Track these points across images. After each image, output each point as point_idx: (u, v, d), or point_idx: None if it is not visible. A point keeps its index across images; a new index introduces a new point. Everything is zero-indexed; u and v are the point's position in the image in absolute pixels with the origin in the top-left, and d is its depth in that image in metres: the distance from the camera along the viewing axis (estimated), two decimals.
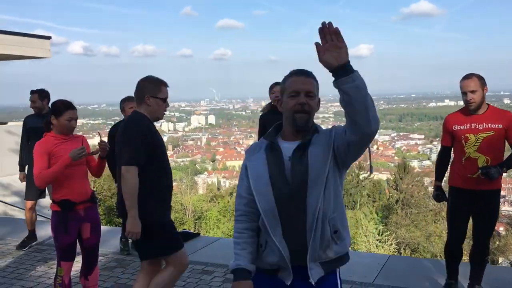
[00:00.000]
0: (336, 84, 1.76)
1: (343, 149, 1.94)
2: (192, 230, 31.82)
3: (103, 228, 6.60)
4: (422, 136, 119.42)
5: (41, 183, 3.26)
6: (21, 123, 13.10)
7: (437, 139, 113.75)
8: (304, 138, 1.98)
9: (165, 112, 3.22)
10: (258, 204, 1.99)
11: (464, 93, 3.53)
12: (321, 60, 1.75)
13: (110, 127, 4.67)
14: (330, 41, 1.72)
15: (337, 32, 1.71)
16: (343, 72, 1.72)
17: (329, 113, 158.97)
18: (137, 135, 2.99)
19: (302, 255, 1.95)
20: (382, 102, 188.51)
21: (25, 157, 5.60)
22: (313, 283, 1.97)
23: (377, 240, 30.52)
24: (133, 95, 3.22)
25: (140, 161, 2.97)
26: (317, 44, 1.74)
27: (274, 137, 2.06)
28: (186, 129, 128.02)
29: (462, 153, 3.60)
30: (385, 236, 30.58)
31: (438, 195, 3.90)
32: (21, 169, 5.73)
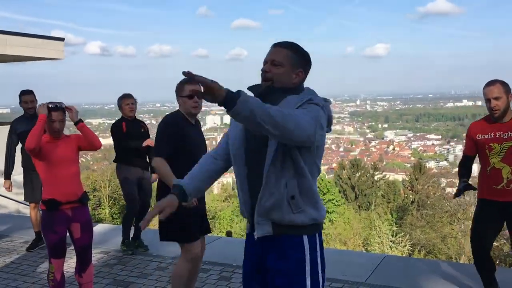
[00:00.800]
0: (231, 115, 1.79)
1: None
2: None
3: (107, 226, 6.77)
4: (439, 137, 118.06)
5: (28, 143, 3.32)
6: None
7: (455, 139, 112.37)
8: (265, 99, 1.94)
9: (195, 106, 3.40)
10: (231, 151, 2.17)
11: (487, 100, 3.38)
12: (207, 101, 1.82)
13: None
14: (199, 89, 1.80)
15: (196, 81, 1.74)
16: (229, 105, 1.74)
17: (344, 113, 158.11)
18: (163, 129, 3.35)
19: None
20: (398, 102, 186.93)
21: (11, 164, 5.40)
22: (255, 238, 2.10)
23: (391, 241, 30.34)
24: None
25: (163, 152, 3.29)
26: (194, 92, 1.84)
27: None
28: (202, 129, 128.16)
29: (487, 163, 3.48)
30: (399, 237, 30.39)
31: (465, 185, 3.60)
32: (6, 177, 5.42)
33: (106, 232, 6.22)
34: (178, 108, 3.49)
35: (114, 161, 5.39)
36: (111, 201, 33.62)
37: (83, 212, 3.59)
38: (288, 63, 2.09)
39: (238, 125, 2.14)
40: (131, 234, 5.36)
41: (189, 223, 3.33)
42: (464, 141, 3.77)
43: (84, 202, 3.59)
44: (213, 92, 1.72)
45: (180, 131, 3.34)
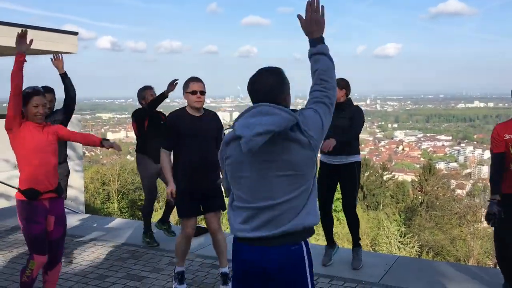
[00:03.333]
0: (312, 51, 2.09)
1: None
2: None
3: (118, 220, 6.79)
4: (450, 138, 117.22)
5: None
6: None
7: (465, 141, 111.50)
8: None
9: (198, 101, 3.83)
10: None
11: None
12: (304, 27, 2.10)
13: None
14: (314, 15, 2.07)
15: (320, 8, 2.06)
16: (320, 42, 2.07)
17: None
18: (166, 124, 3.94)
19: None
20: (409, 102, 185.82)
21: None
22: None
23: (399, 242, 30.19)
24: (189, 79, 3.89)
25: (165, 145, 3.88)
26: (299, 17, 2.09)
27: None
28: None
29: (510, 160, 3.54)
30: (408, 238, 30.23)
31: (499, 210, 3.54)
32: None
33: (117, 226, 6.24)
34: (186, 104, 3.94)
35: (136, 151, 5.38)
36: (119, 195, 33.79)
37: (59, 205, 3.47)
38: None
39: None
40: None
41: (184, 202, 3.86)
42: (484, 142, 3.79)
43: (59, 193, 3.46)
44: (323, 26, 2.09)
45: (182, 124, 3.81)
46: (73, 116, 15.81)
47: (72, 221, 6.49)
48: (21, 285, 3.41)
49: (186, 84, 3.87)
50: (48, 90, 4.93)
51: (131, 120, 5.29)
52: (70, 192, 13.27)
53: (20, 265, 4.70)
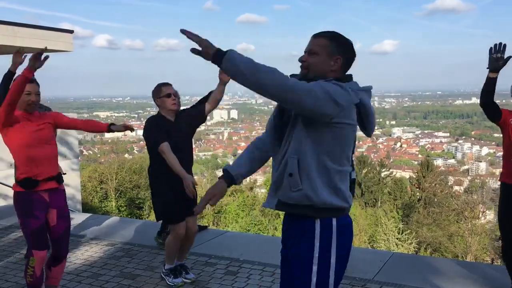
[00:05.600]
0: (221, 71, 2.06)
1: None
2: (209, 224, 31.58)
3: (113, 218, 6.76)
4: (447, 134, 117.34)
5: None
6: None
7: (463, 137, 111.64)
8: None
9: (174, 103, 3.88)
10: None
11: None
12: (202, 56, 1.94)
13: (133, 120, 4.62)
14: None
15: (190, 36, 1.90)
16: (218, 60, 1.88)
17: None
18: (149, 126, 3.87)
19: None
20: (406, 99, 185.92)
21: None
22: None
23: (397, 238, 30.23)
24: (160, 84, 3.91)
25: (162, 139, 3.73)
26: (192, 50, 1.92)
27: None
28: (208, 123, 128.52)
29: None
30: (406, 234, 30.28)
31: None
32: None
33: (113, 224, 6.22)
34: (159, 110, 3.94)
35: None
36: (117, 194, 33.75)
37: (60, 197, 3.35)
38: (324, 52, 2.11)
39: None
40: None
41: (173, 207, 3.88)
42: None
43: (60, 181, 3.33)
44: (205, 45, 1.88)
45: (163, 130, 3.78)
46: (70, 114, 15.78)
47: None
48: (28, 287, 3.28)
49: (158, 90, 3.90)
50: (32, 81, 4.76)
51: (132, 119, 5.19)
52: (67, 191, 13.34)
53: (14, 264, 4.68)
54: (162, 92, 3.87)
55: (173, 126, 3.90)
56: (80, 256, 4.91)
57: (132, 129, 3.70)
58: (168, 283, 4.13)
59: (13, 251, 5.10)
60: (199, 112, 4.22)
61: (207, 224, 6.03)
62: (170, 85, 3.96)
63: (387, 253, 4.95)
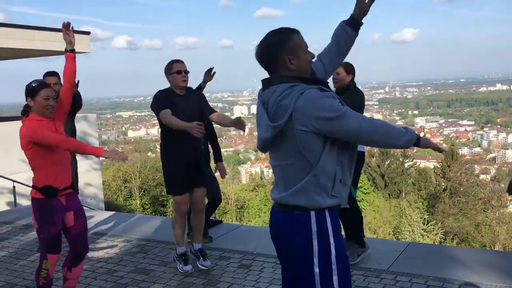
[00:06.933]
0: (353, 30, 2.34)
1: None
2: (232, 219, 31.53)
3: (135, 216, 6.83)
4: (472, 122, 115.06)
5: (68, 146, 3.15)
6: None
7: (488, 125, 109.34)
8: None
9: (183, 79, 4.00)
10: None
11: None
12: (363, 8, 2.29)
13: (155, 119, 4.62)
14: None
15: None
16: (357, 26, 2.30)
17: (373, 100, 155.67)
18: (154, 99, 4.01)
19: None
20: (429, 88, 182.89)
21: None
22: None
23: (422, 229, 29.83)
24: (172, 61, 4.02)
25: (164, 106, 3.87)
26: None
27: None
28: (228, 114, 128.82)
29: None
30: (431, 225, 29.85)
31: None
32: None
33: (130, 221, 6.27)
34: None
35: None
36: (141, 192, 34.15)
37: (75, 200, 3.41)
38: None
39: None
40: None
41: (176, 177, 4.00)
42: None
43: (76, 189, 3.41)
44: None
45: (168, 101, 3.91)
46: (90, 115, 15.87)
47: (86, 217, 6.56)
48: None
49: (169, 66, 4.03)
50: (52, 74, 4.77)
51: (153, 118, 5.18)
52: (89, 190, 13.57)
53: (32, 262, 4.77)
54: (173, 68, 3.99)
55: (182, 99, 4.00)
56: (96, 253, 4.97)
57: (125, 159, 3.43)
58: (179, 269, 4.20)
59: (31, 250, 5.19)
60: (201, 99, 4.16)
61: (221, 219, 5.99)
62: (182, 62, 4.05)
63: (403, 243, 4.87)
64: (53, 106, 3.24)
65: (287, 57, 2.05)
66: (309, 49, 2.13)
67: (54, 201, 3.24)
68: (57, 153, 3.22)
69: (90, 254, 4.90)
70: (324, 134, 1.97)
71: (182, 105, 3.97)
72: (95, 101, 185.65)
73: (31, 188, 3.30)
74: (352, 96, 4.08)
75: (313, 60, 2.17)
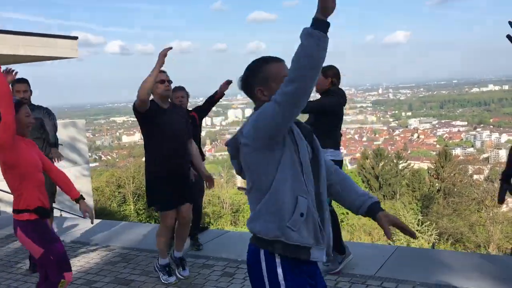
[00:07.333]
0: (312, 31, 1.70)
1: None
2: (227, 223, 31.27)
3: (119, 223, 6.65)
4: (465, 123, 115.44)
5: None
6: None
7: (481, 125, 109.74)
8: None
9: (167, 89, 3.92)
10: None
11: None
12: (328, 4, 1.71)
13: None
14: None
15: None
16: (324, 26, 1.69)
17: (367, 102, 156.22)
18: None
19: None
20: (422, 89, 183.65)
21: None
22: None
23: (416, 230, 29.78)
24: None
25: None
26: None
27: None
28: (224, 123, 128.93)
29: None
30: (425, 226, 29.80)
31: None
32: None
33: (114, 229, 6.12)
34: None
35: None
36: (135, 198, 33.90)
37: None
38: None
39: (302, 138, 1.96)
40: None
41: (163, 194, 3.86)
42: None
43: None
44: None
45: (152, 116, 3.79)
46: (78, 120, 15.65)
47: (69, 225, 6.42)
48: None
49: None
50: (22, 81, 4.54)
51: None
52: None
53: (17, 275, 4.62)
54: (157, 77, 3.82)
55: (165, 112, 3.87)
56: (77, 262, 4.83)
57: (92, 218, 3.40)
58: (162, 280, 4.07)
59: (17, 262, 5.02)
60: (185, 115, 4.14)
61: (207, 225, 5.86)
62: (164, 72, 3.93)
63: (390, 247, 4.76)
64: (31, 124, 3.10)
65: (258, 88, 1.97)
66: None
67: (45, 220, 3.05)
68: (39, 173, 3.03)
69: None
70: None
71: (170, 118, 3.86)
72: (89, 107, 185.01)
73: (15, 214, 2.99)
74: (323, 99, 3.98)
75: None
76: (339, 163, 3.92)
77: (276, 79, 1.93)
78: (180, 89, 4.77)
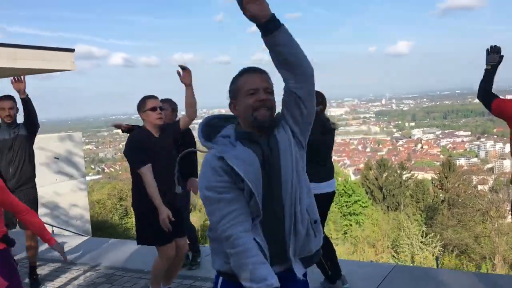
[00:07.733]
0: (268, 37, 1.69)
1: (298, 112, 1.80)
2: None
3: (108, 240, 6.43)
4: (469, 133, 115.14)
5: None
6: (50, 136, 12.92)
7: (485, 135, 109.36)
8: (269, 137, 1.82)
9: (159, 117, 3.60)
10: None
11: None
12: (247, 12, 1.64)
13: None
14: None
15: None
16: (272, 25, 1.66)
17: (370, 113, 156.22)
18: (130, 145, 3.63)
19: (282, 254, 1.79)
20: (425, 99, 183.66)
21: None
22: (300, 278, 1.82)
23: (421, 242, 29.40)
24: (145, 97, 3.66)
25: (145, 161, 3.52)
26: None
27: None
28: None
29: None
30: (430, 238, 29.42)
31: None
32: None
33: (102, 247, 5.91)
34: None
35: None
36: None
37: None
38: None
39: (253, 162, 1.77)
40: None
41: (160, 228, 3.52)
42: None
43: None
44: (266, 3, 1.63)
45: (146, 152, 3.55)
46: (75, 133, 15.49)
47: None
48: None
49: (142, 103, 3.64)
50: (7, 98, 4.41)
51: None
52: (75, 211, 13.17)
53: None
54: (147, 105, 3.60)
55: (157, 143, 3.64)
56: (58, 283, 4.61)
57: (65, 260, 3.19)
58: None
59: None
60: (175, 131, 3.88)
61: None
62: (156, 98, 3.68)
63: (388, 266, 4.52)
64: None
65: (231, 101, 1.88)
66: (259, 90, 1.79)
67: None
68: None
69: (50, 286, 4.55)
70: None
71: (160, 147, 3.64)
72: (92, 120, 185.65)
73: None
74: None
75: (261, 101, 1.78)
76: (325, 196, 3.68)
77: (243, 92, 1.80)
78: (165, 101, 4.46)
